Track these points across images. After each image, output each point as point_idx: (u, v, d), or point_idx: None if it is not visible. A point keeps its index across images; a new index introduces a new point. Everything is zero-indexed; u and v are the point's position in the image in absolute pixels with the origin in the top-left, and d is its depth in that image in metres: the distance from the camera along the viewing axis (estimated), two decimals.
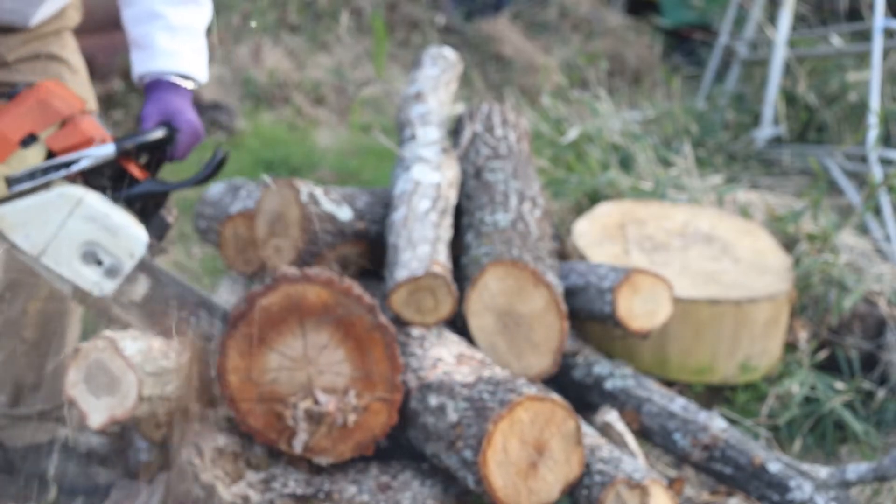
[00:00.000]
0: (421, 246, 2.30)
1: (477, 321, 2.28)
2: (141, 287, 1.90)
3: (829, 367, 2.90)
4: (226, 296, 2.74)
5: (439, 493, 1.96)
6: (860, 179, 4.25)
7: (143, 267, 1.87)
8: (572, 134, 3.87)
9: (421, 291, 2.21)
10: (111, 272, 1.81)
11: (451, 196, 2.57)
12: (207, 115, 5.18)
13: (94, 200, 1.79)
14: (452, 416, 1.90)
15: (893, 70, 4.67)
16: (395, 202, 2.51)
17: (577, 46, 6.68)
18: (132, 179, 1.86)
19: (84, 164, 1.79)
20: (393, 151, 2.80)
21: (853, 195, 4.03)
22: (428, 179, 2.54)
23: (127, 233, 1.81)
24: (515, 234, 2.45)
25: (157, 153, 1.93)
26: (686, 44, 6.78)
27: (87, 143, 1.80)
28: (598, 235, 2.89)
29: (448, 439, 1.90)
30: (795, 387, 2.70)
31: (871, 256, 3.18)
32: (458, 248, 2.54)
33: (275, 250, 2.56)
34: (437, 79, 3.19)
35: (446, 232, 2.44)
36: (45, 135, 1.79)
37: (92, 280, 1.81)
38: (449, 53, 3.40)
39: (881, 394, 2.77)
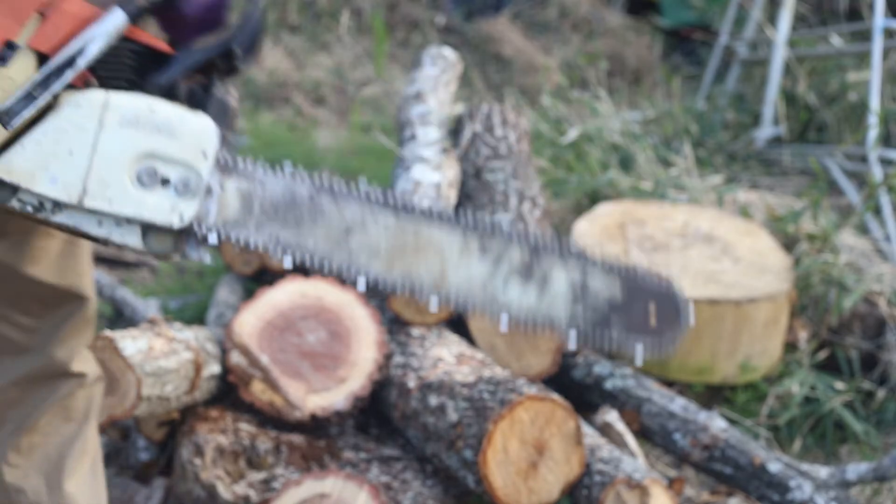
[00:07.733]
0: None
1: (476, 321, 2.28)
2: (232, 197, 1.32)
3: (829, 367, 2.89)
4: (226, 296, 2.74)
5: (440, 493, 1.96)
6: (860, 179, 4.25)
7: (224, 168, 1.32)
8: (572, 134, 3.87)
9: None
10: (185, 187, 1.26)
11: (452, 196, 2.57)
12: None
13: (124, 99, 1.25)
14: (453, 416, 1.90)
15: (893, 70, 4.66)
16: None
17: (577, 46, 6.68)
18: (158, 56, 1.30)
19: (92, 50, 1.24)
20: (393, 151, 2.80)
21: (853, 195, 4.03)
22: (428, 179, 2.54)
23: (187, 126, 1.26)
24: None
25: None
26: (686, 44, 6.77)
27: (84, 22, 1.25)
28: (598, 235, 2.89)
29: (448, 439, 1.89)
30: (795, 387, 2.70)
31: (871, 256, 3.17)
32: None
33: None
34: (437, 79, 3.19)
35: None
36: (24, 37, 1.24)
37: (165, 207, 1.25)
38: (449, 53, 3.40)
39: (881, 394, 2.77)
